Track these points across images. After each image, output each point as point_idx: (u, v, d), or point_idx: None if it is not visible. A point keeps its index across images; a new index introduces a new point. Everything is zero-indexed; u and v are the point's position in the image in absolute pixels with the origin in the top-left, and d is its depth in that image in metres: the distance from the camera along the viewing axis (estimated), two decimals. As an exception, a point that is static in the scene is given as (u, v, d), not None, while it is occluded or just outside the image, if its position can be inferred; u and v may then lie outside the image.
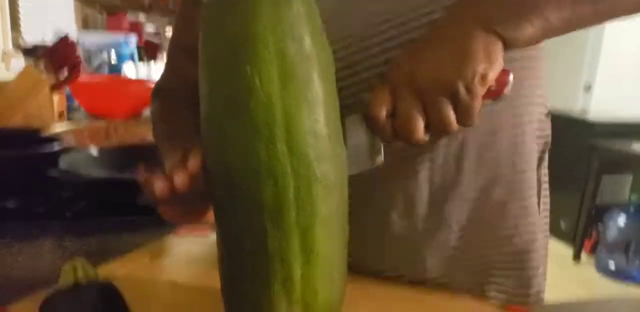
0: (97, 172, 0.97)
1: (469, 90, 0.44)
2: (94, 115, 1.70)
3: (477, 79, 0.43)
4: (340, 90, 0.46)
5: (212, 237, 0.69)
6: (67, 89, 1.63)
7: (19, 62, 1.70)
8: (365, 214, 0.57)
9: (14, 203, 0.90)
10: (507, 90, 0.47)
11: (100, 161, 1.04)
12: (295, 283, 0.43)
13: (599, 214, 3.05)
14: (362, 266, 0.59)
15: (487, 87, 0.45)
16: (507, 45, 0.45)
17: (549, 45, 0.56)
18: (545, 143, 0.64)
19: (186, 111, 0.64)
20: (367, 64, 0.55)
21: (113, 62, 2.18)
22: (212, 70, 0.43)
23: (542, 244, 0.64)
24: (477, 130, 0.56)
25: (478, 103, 0.45)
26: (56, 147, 0.97)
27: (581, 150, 3.04)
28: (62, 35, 1.63)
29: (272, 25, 0.40)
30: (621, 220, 2.88)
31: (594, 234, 3.10)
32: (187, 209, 0.52)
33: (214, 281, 0.48)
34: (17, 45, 2.34)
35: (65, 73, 1.40)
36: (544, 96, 0.62)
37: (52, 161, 0.92)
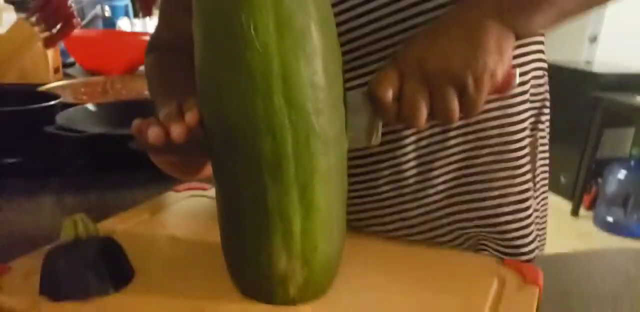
0: (95, 128, 0.96)
1: (477, 83, 0.44)
2: (90, 70, 1.68)
3: (486, 73, 0.44)
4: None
5: (212, 193, 0.69)
6: (62, 45, 1.60)
7: (10, 16, 1.66)
8: (352, 183, 0.57)
9: (12, 160, 0.90)
10: (512, 86, 0.47)
11: (98, 116, 1.03)
12: (295, 238, 0.43)
13: (599, 168, 3.06)
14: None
15: (494, 82, 0.45)
16: (519, 37, 0.46)
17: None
18: (542, 102, 0.62)
19: (181, 64, 0.63)
20: (376, 57, 0.54)
21: (107, 14, 2.12)
22: (206, 20, 0.41)
23: (536, 205, 0.64)
24: None
25: (484, 97, 0.45)
26: (53, 103, 0.96)
27: (584, 103, 3.02)
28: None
29: (267, -27, 0.39)
30: (621, 174, 2.89)
31: (593, 189, 3.12)
32: (182, 160, 0.51)
33: (214, 236, 0.49)
34: (7, -1, 2.28)
35: (58, 27, 1.37)
36: (541, 52, 0.59)
37: (49, 117, 0.91)
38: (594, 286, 0.70)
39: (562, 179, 3.22)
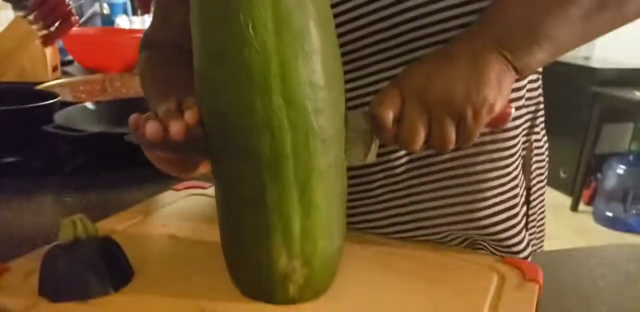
0: (94, 127, 0.96)
1: (476, 116, 0.44)
2: (89, 68, 1.67)
3: (485, 107, 0.44)
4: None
5: (211, 191, 0.69)
6: (60, 43, 1.59)
7: (7, 14, 1.66)
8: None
9: (11, 159, 0.89)
10: (507, 121, 0.48)
11: (96, 115, 1.03)
12: (295, 237, 0.43)
13: (598, 163, 3.06)
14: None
15: (492, 116, 0.45)
16: (518, 74, 0.46)
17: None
18: (537, 106, 0.62)
19: (178, 61, 0.62)
20: (377, 68, 0.55)
21: (105, 12, 2.12)
22: (204, 18, 0.41)
23: (533, 209, 0.64)
24: None
25: (480, 129, 0.46)
26: (51, 101, 0.96)
27: (583, 98, 3.02)
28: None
29: (265, -29, 0.38)
30: (620, 169, 2.89)
31: (592, 184, 3.12)
32: (177, 157, 0.51)
33: (213, 235, 0.49)
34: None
35: (56, 25, 1.36)
36: None
37: (48, 116, 0.91)
38: (593, 283, 0.70)
39: (562, 174, 3.22)
